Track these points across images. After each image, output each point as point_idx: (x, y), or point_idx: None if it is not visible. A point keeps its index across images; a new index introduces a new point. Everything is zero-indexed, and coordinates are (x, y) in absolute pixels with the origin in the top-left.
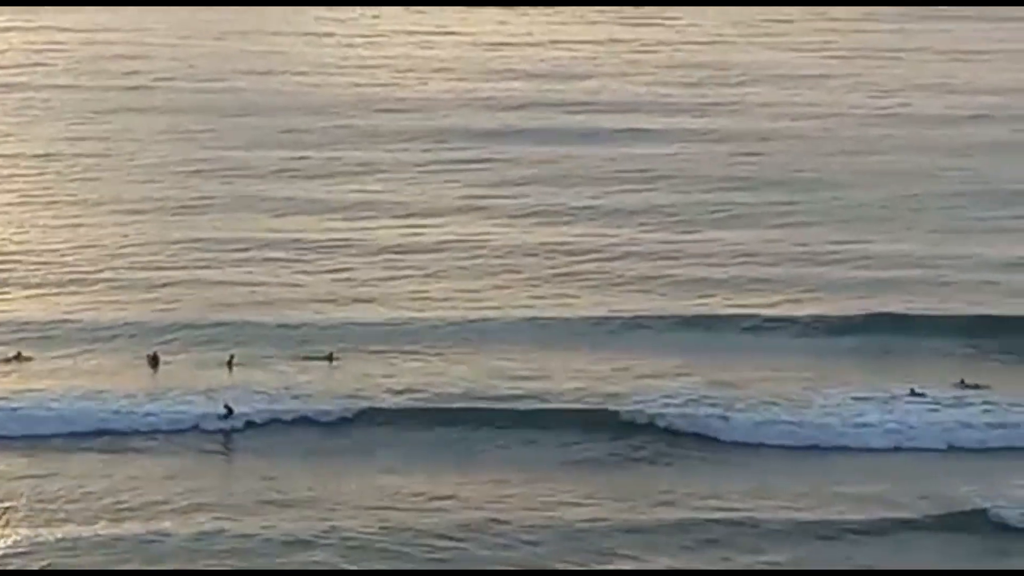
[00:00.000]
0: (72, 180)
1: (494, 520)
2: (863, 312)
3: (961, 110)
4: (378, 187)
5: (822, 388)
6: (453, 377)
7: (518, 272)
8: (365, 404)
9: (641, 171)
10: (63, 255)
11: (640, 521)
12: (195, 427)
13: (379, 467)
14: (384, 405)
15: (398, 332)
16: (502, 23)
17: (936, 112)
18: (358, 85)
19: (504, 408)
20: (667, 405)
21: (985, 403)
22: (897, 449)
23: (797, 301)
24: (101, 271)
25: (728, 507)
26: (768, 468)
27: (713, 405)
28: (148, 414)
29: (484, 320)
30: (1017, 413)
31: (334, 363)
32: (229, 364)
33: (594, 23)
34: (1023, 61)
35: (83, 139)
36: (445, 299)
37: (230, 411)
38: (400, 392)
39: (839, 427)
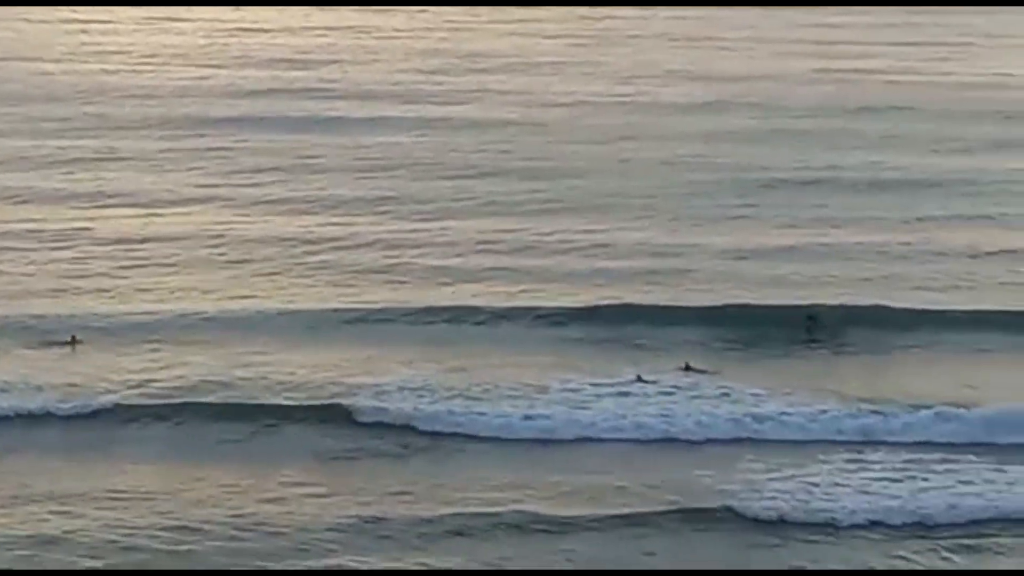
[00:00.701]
0: None
1: (233, 516)
2: (601, 302)
3: (700, 98)
4: (116, 176)
5: (558, 379)
6: (191, 370)
7: (259, 263)
8: (104, 398)
9: (382, 159)
10: None
11: (376, 516)
12: None
13: (119, 462)
14: (123, 399)
15: (137, 324)
16: (240, 9)
17: (675, 100)
18: (95, 72)
19: (242, 402)
20: (406, 398)
21: (721, 390)
22: (630, 439)
23: (538, 291)
24: None
25: (465, 500)
26: (504, 460)
27: (450, 397)
28: None
29: (225, 312)
30: (753, 401)
31: (77, 348)
32: None
33: (333, 9)
34: (761, 48)
35: None
36: (185, 290)
37: None
38: (138, 386)
39: (575, 418)
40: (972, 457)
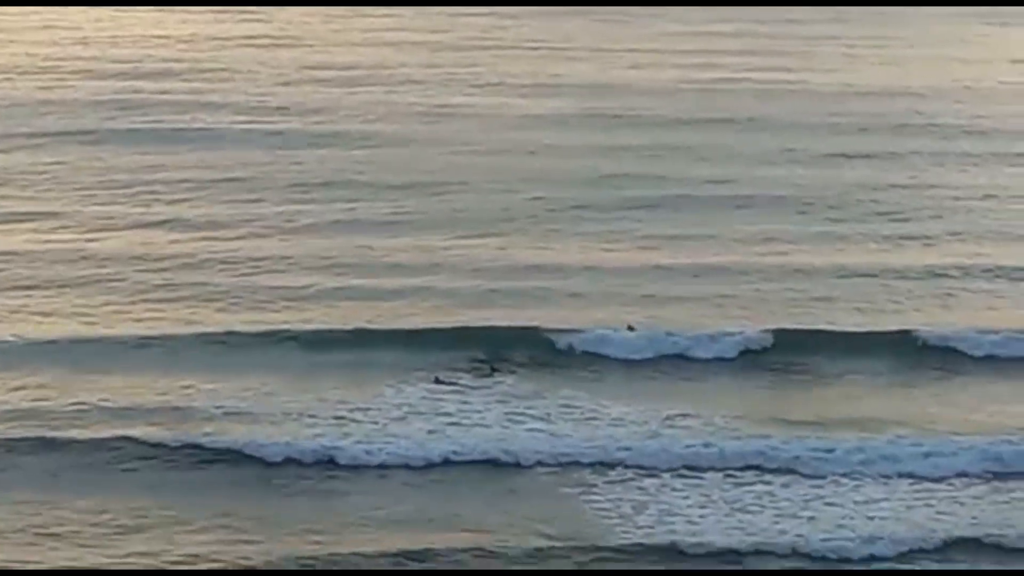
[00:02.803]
0: None
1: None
2: (440, 324)
3: (559, 110)
4: None
5: (390, 404)
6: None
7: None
8: None
9: (230, 175)
10: None
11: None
12: None
13: None
14: None
15: None
16: (86, 11)
17: (535, 111)
18: None
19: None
20: (240, 422)
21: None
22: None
23: (378, 311)
24: None
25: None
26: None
27: (275, 423)
28: None
29: (48, 336)
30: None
31: None
32: None
33: (186, 18)
34: (624, 58)
35: None
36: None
37: None
38: None
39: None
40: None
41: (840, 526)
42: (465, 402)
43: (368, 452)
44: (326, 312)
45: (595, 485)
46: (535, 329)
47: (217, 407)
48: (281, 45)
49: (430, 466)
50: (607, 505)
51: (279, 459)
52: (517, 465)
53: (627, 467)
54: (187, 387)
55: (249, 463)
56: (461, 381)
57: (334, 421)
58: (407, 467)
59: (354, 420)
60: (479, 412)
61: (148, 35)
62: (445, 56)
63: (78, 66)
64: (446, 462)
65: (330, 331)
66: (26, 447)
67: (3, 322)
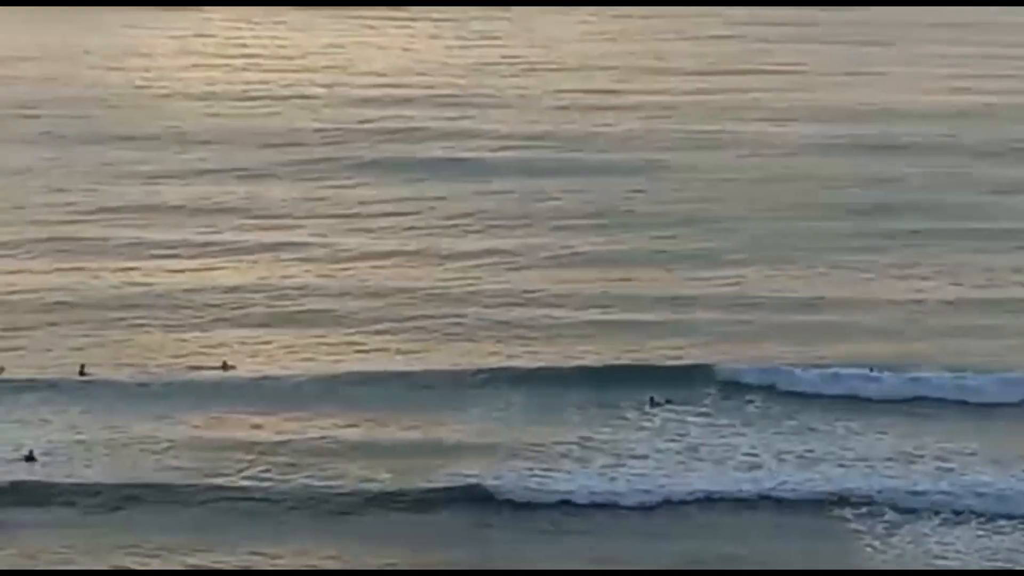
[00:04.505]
0: None
1: None
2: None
3: (850, 138)
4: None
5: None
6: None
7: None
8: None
9: (514, 207)
10: None
11: None
12: None
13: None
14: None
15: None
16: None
17: (820, 141)
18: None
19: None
20: (475, 465)
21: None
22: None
23: (636, 347)
24: None
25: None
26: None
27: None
28: None
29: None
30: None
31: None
32: None
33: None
34: (888, 82)
35: None
36: (256, 349)
37: None
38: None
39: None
40: None
41: None
42: (711, 426)
43: (609, 491)
44: (572, 346)
45: (849, 520)
46: (780, 365)
47: (454, 444)
48: (536, 70)
49: (676, 501)
50: (861, 532)
51: (520, 499)
52: (769, 497)
53: (883, 502)
54: (420, 424)
55: (489, 502)
56: (702, 411)
57: (574, 458)
58: (642, 507)
59: (594, 457)
60: (727, 445)
61: (389, 62)
62: (702, 81)
63: (318, 93)
64: (697, 497)
65: (576, 367)
66: (263, 487)
67: (239, 356)
